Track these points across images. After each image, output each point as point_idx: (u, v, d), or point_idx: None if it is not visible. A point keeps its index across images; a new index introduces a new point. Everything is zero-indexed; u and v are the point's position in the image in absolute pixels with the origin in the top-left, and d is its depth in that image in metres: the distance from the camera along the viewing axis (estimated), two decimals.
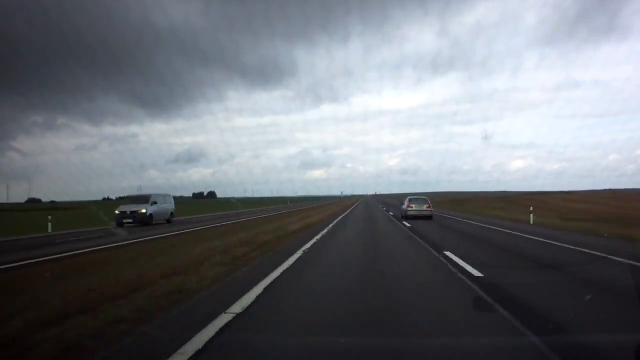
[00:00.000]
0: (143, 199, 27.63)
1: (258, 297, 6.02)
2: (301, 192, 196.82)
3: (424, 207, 27.29)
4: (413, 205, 27.43)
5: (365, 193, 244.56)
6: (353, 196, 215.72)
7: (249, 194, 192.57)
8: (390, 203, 71.00)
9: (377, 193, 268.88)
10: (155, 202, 27.68)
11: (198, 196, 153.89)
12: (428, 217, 26.46)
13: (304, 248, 11.88)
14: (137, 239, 17.09)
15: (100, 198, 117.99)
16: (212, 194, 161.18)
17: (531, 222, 23.77)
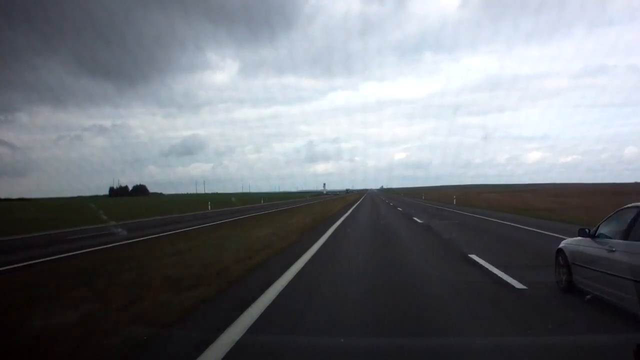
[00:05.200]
0: None
1: None
2: (277, 188, 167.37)
3: None
4: None
5: (366, 187, 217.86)
6: (348, 191, 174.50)
7: (200, 190, 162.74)
8: (415, 206, 43.61)
9: (385, 187, 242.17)
10: None
11: (119, 193, 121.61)
12: None
13: None
14: None
15: None
16: (140, 190, 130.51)
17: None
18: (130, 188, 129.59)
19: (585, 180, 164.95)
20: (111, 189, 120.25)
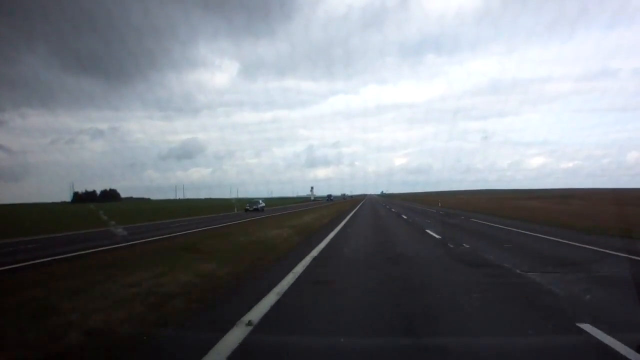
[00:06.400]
0: None
1: None
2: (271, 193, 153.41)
3: None
4: None
5: (366, 192, 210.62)
6: (334, 197, 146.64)
7: (180, 195, 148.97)
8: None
9: (385, 192, 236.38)
10: None
11: (85, 198, 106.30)
12: None
13: None
14: None
15: None
16: (110, 195, 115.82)
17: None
18: (98, 192, 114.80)
19: (587, 186, 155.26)
20: (75, 195, 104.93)
